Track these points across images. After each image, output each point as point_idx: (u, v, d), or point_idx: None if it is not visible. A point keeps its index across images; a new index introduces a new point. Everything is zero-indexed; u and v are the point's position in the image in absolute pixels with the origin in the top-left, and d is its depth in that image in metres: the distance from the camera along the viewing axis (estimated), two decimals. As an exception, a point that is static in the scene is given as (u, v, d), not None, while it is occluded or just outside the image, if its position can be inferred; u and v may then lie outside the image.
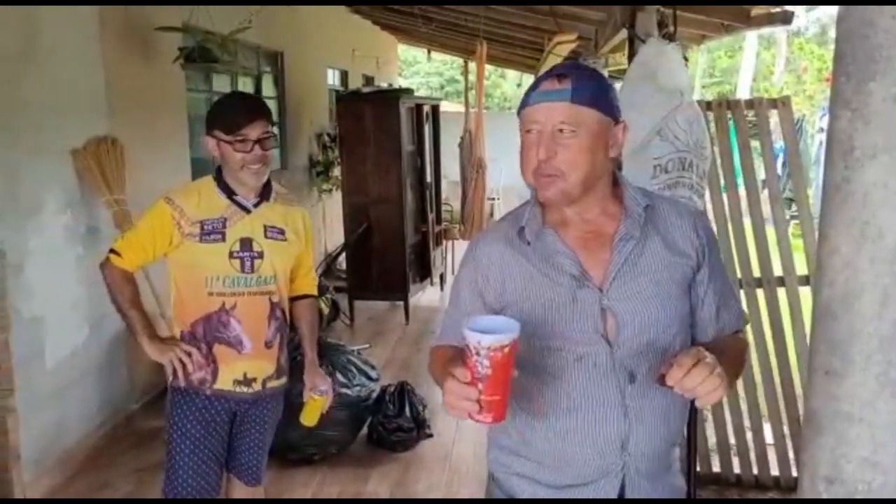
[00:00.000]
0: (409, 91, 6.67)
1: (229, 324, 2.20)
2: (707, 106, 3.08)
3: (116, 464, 3.79)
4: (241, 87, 6.03)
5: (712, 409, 3.31)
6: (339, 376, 3.74)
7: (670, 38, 2.59)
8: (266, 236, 2.23)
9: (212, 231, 2.17)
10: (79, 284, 3.83)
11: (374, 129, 6.06)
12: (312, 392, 2.37)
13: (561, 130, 1.31)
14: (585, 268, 1.37)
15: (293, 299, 2.42)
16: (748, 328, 1.68)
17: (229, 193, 2.22)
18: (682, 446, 2.41)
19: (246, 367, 2.24)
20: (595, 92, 1.34)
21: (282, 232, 2.27)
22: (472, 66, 7.78)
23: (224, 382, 2.24)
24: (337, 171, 7.88)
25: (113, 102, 4.06)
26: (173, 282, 2.26)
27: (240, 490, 2.39)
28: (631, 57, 2.76)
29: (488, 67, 10.67)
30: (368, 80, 10.06)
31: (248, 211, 2.23)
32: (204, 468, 2.24)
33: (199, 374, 2.22)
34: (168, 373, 2.24)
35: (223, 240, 2.17)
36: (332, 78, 9.10)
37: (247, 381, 2.25)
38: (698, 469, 3.18)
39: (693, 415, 2.68)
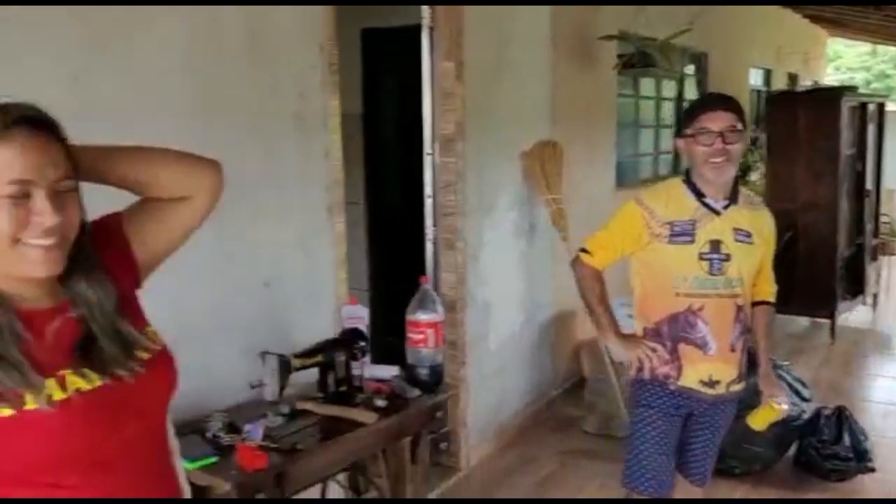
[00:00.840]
0: (852, 88, 6.04)
1: (696, 325, 2.20)
2: None
3: (542, 443, 4.08)
4: (665, 91, 6.07)
5: None
6: (769, 391, 3.56)
7: None
8: (734, 239, 2.20)
9: (681, 233, 2.19)
10: (519, 276, 4.22)
11: (808, 130, 5.61)
12: (773, 400, 2.28)
13: None
14: None
15: (752, 304, 2.35)
16: None
17: (698, 195, 2.22)
18: None
19: (711, 369, 2.24)
20: None
21: (748, 235, 2.22)
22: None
23: (688, 381, 2.25)
24: (754, 175, 7.49)
25: (556, 108, 4.38)
26: (638, 280, 2.34)
27: (684, 488, 2.41)
28: None
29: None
30: (792, 79, 9.37)
31: (717, 213, 2.21)
32: (664, 462, 2.28)
33: (664, 369, 2.26)
34: (633, 367, 2.32)
35: (692, 241, 2.18)
36: (755, 78, 8.65)
37: (711, 383, 2.25)
38: None
39: None
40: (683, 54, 6.37)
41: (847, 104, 5.62)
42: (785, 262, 5.81)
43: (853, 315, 6.24)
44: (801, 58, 9.68)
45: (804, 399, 3.64)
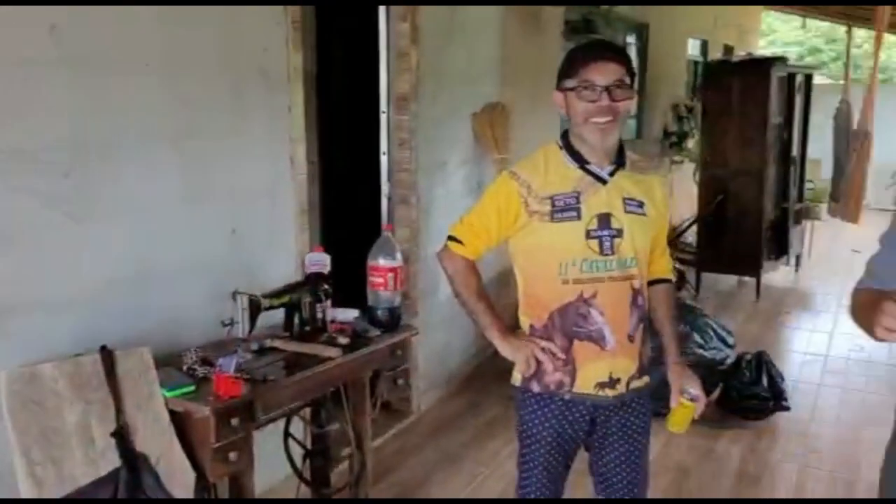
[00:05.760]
0: (783, 59, 6.36)
1: (589, 315, 1.85)
2: None
3: (485, 390, 4.32)
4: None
5: None
6: (696, 337, 3.87)
7: None
8: (625, 211, 1.86)
9: (565, 208, 1.82)
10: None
11: (741, 99, 5.95)
12: (682, 396, 1.93)
13: None
14: None
15: (648, 284, 1.99)
16: None
17: (580, 161, 1.86)
18: None
19: (610, 365, 1.88)
20: None
21: (641, 205, 1.88)
22: (860, 32, 7.06)
23: (584, 385, 1.89)
24: (691, 143, 7.83)
25: (504, 72, 4.56)
26: (518, 271, 1.96)
27: None
28: None
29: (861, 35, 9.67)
30: (728, 50, 9.72)
31: (603, 181, 1.86)
32: (557, 472, 2.01)
33: (556, 375, 1.89)
34: (521, 370, 1.92)
35: (578, 217, 1.82)
36: (692, 48, 8.97)
37: (611, 382, 1.89)
38: None
39: None
40: (626, 24, 6.61)
41: (777, 74, 5.96)
42: (715, 225, 6.20)
43: (777, 275, 6.68)
44: (735, 29, 10.04)
45: (729, 346, 3.97)
